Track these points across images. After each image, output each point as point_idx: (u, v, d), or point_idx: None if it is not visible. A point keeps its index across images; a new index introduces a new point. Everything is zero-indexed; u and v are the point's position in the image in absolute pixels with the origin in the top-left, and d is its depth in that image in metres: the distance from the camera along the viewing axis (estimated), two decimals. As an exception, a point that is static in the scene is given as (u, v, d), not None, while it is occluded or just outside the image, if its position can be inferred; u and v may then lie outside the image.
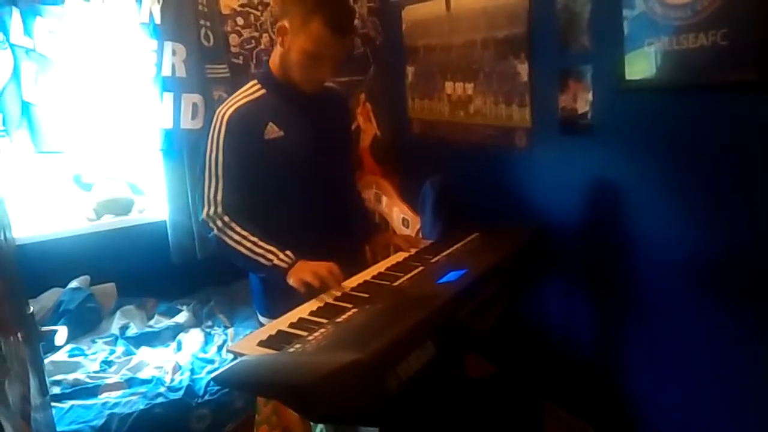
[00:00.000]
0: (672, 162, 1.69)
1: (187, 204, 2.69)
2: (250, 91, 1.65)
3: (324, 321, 1.27)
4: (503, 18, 2.22)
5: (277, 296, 1.55)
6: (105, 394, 2.05)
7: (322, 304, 1.40)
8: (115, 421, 1.92)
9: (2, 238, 1.27)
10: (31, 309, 1.40)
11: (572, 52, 1.94)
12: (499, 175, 2.37)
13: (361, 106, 3.11)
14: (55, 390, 2.03)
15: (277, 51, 1.63)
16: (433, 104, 2.76)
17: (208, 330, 2.50)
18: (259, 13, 2.81)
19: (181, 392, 2.04)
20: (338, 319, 1.25)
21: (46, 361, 2.04)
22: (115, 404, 1.98)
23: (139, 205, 2.85)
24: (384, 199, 2.61)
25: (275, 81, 1.65)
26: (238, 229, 1.57)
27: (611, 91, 1.81)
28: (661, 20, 1.60)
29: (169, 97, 2.52)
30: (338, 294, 1.46)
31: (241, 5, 2.77)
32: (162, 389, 2.05)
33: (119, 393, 2.05)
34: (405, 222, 2.41)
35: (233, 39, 2.77)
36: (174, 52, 2.50)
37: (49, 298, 2.51)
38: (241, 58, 2.80)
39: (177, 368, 2.19)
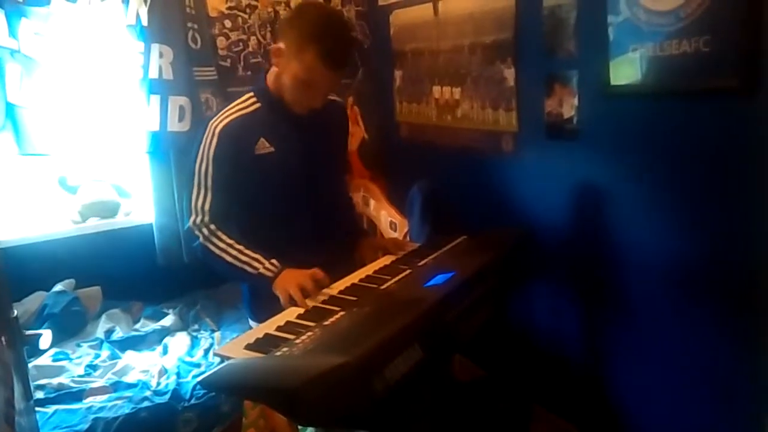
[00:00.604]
0: (655, 166, 1.72)
1: (173, 207, 2.67)
2: (246, 104, 1.65)
3: (311, 324, 1.27)
4: (490, 23, 2.24)
5: (267, 301, 1.54)
6: (90, 399, 2.02)
7: (309, 308, 1.41)
8: (101, 426, 1.90)
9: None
10: (15, 312, 1.39)
11: (558, 58, 1.96)
12: (486, 179, 2.39)
13: (349, 110, 3.11)
14: (39, 394, 2.00)
15: (273, 70, 1.63)
16: (420, 108, 2.77)
17: (194, 333, 2.47)
18: (246, 16, 2.81)
19: (167, 396, 2.02)
20: (326, 323, 1.25)
21: (30, 365, 2.01)
22: (101, 408, 1.96)
23: (125, 208, 2.83)
24: (372, 202, 2.61)
25: (270, 97, 1.65)
26: (224, 237, 1.57)
27: (596, 96, 1.83)
28: (645, 27, 1.62)
29: (156, 99, 2.50)
30: (326, 297, 1.46)
31: (229, 8, 2.76)
32: (148, 393, 2.03)
33: (104, 397, 2.03)
34: (393, 225, 2.42)
35: (221, 42, 2.77)
36: (161, 55, 2.49)
37: (34, 301, 2.48)
38: (228, 60, 2.79)
39: (163, 372, 2.17)
